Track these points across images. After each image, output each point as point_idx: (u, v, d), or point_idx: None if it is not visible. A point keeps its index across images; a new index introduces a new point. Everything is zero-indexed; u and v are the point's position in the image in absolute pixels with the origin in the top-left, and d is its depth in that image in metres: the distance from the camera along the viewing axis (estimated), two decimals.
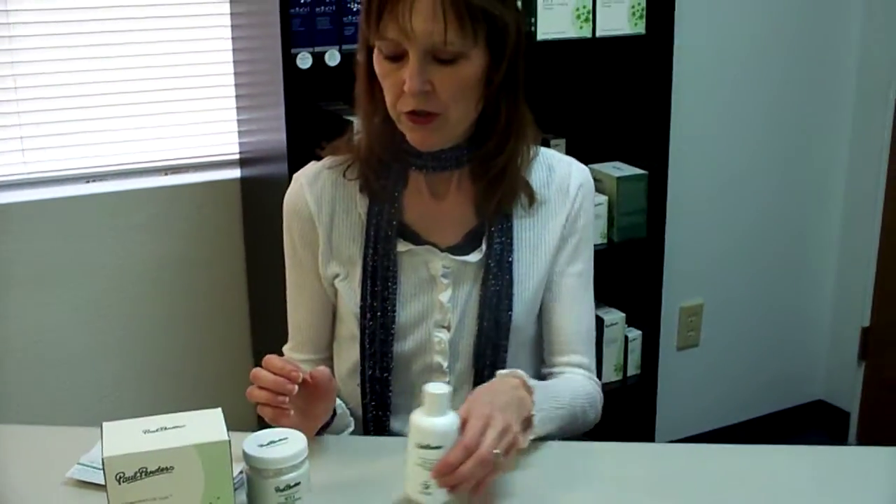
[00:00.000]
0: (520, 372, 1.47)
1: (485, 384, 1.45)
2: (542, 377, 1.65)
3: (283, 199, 2.12)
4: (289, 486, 1.26)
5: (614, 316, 2.81)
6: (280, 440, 1.29)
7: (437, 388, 1.27)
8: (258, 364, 1.38)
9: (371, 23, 1.43)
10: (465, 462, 1.24)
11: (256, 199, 2.61)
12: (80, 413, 2.59)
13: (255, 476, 1.26)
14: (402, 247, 1.57)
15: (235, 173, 2.68)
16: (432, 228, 1.59)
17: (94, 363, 2.62)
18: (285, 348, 1.70)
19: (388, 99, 1.47)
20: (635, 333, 2.87)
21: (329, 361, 1.69)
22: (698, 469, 1.46)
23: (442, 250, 1.58)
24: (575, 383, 1.61)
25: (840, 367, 3.49)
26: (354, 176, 1.59)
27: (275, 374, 1.34)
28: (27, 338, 2.54)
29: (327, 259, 1.60)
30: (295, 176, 1.64)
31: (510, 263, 1.57)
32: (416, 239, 1.58)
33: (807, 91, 3.26)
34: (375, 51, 1.46)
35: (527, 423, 1.41)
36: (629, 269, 2.82)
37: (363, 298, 1.57)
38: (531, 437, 1.42)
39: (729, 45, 3.09)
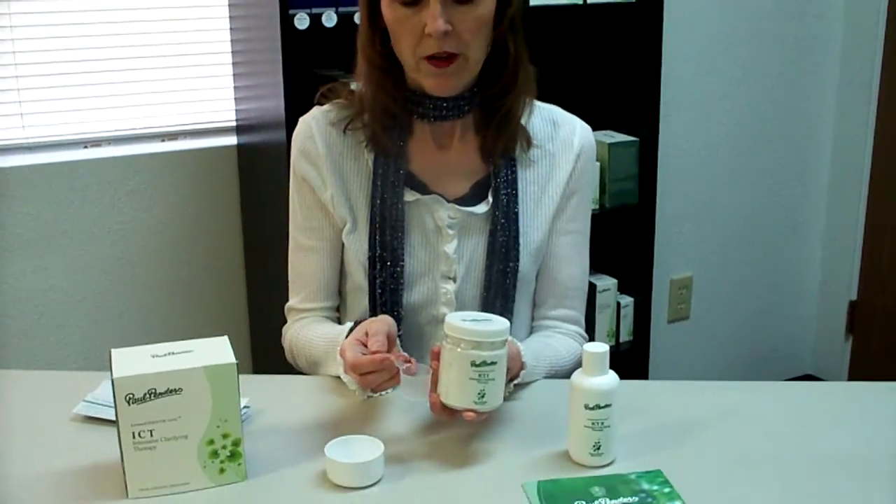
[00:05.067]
0: (515, 342, 1.48)
1: None
2: (532, 328, 1.68)
3: (280, 166, 2.10)
4: (485, 364, 1.26)
5: (607, 282, 2.84)
6: (483, 320, 1.29)
7: (597, 347, 1.26)
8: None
9: None
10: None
11: (253, 166, 2.62)
12: (82, 369, 2.57)
13: (453, 348, 1.26)
14: (410, 196, 1.57)
15: (232, 140, 2.69)
16: (439, 179, 1.59)
17: (91, 325, 2.64)
18: (292, 303, 1.67)
19: (406, 44, 1.47)
20: (627, 300, 2.89)
21: (338, 311, 1.67)
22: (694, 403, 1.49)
23: (449, 201, 1.58)
24: (561, 346, 1.62)
25: (828, 341, 3.54)
26: (358, 128, 1.58)
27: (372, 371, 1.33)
28: (26, 300, 2.55)
29: (338, 201, 1.58)
30: (302, 119, 1.63)
31: (516, 215, 1.58)
32: (423, 189, 1.58)
33: (795, 61, 3.29)
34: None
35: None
36: (621, 236, 2.85)
37: (371, 248, 1.56)
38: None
39: (718, 10, 3.10)
